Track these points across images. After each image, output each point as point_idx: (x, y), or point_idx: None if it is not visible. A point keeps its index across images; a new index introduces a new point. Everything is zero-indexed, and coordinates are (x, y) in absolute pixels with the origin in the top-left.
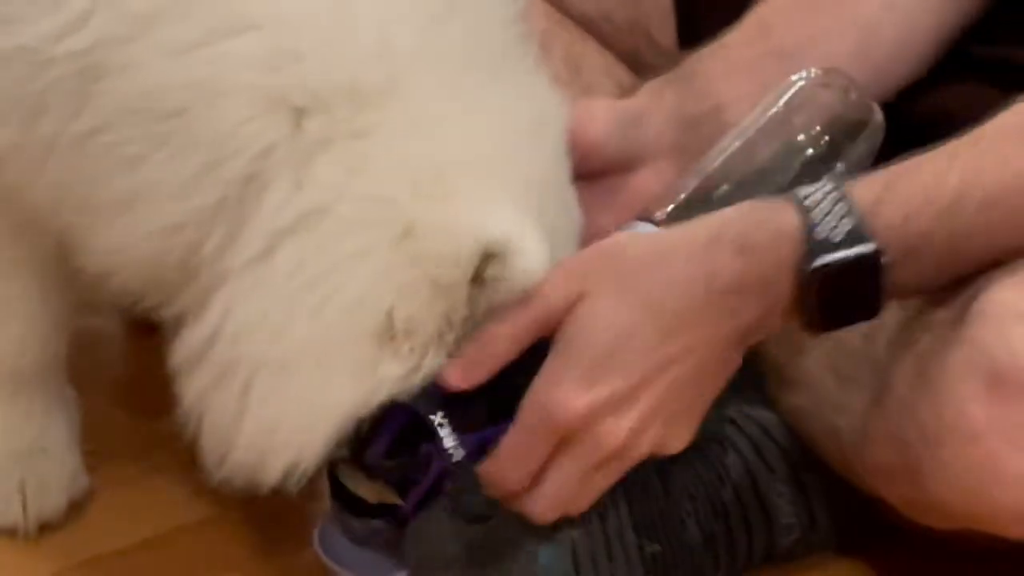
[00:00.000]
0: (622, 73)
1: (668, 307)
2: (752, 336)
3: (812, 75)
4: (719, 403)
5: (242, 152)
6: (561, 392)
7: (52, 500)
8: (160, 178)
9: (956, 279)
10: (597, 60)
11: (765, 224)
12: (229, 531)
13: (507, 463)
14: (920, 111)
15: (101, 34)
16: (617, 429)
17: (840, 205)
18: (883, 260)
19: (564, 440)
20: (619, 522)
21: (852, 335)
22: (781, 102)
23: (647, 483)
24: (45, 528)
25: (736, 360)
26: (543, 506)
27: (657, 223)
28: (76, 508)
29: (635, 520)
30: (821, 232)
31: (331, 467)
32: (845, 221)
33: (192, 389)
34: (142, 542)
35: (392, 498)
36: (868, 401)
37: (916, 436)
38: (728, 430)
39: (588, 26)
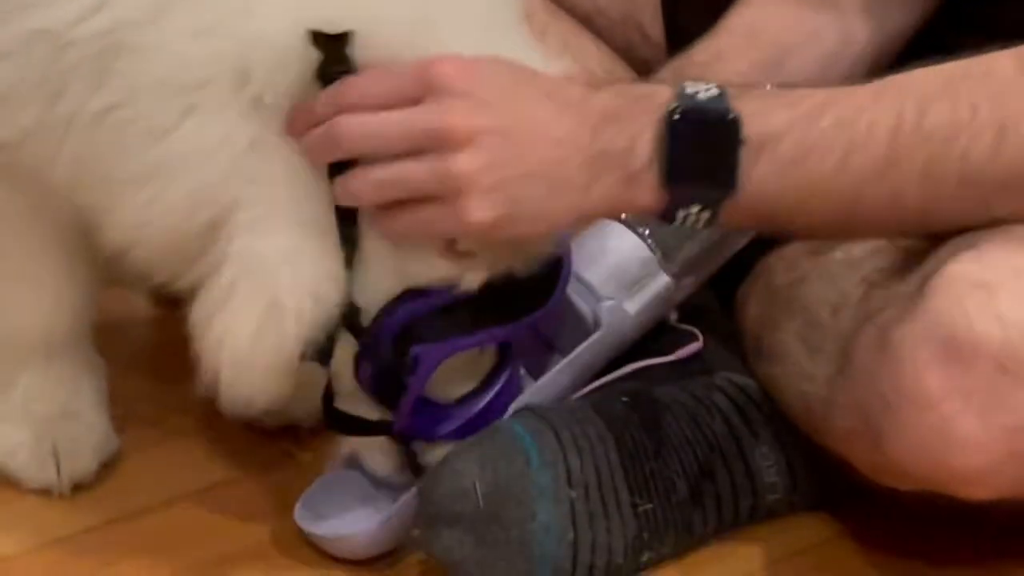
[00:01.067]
0: (617, 66)
1: (550, 95)
2: (605, 175)
3: None
4: (708, 370)
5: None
6: (447, 56)
7: (84, 461)
8: (188, 146)
9: (813, 219)
10: (592, 53)
11: (642, 87)
12: (250, 490)
13: (370, 78)
14: None
15: (119, 17)
16: (463, 115)
17: (711, 86)
18: (741, 133)
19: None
20: (613, 482)
21: (821, 311)
22: None
23: (639, 445)
24: (78, 487)
25: (584, 204)
26: (358, 129)
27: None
28: (106, 469)
29: (628, 480)
30: (689, 92)
31: (326, 393)
32: (713, 92)
33: (199, 313)
34: (168, 500)
35: (385, 415)
36: (834, 370)
37: (877, 402)
38: (715, 397)
39: (583, 20)
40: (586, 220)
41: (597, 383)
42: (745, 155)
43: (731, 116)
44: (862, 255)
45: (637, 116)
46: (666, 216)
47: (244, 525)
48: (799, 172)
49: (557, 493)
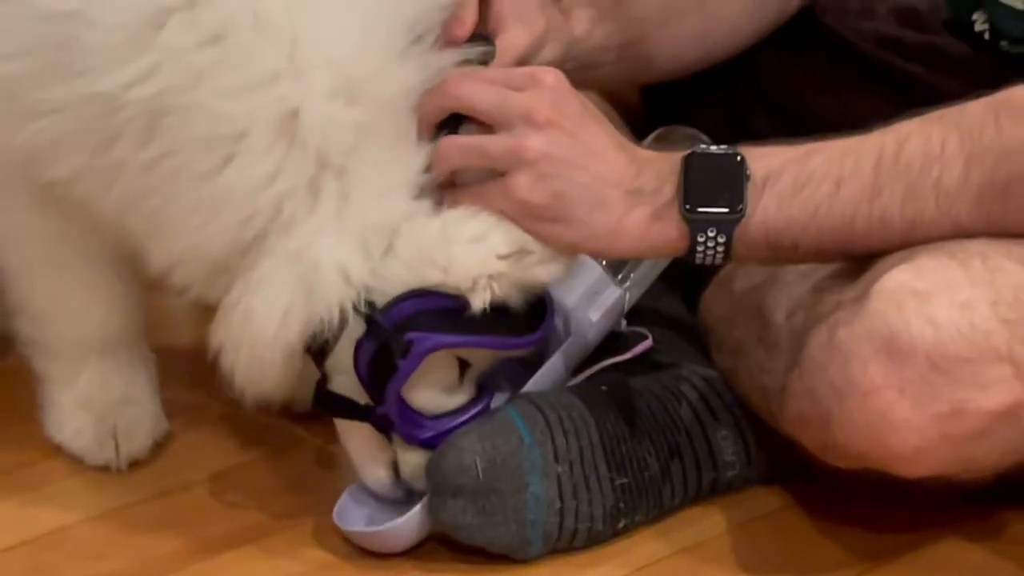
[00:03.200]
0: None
1: (612, 134)
2: (638, 208)
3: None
4: (677, 364)
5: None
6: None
7: (139, 441)
8: (229, 187)
9: (797, 245)
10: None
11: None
12: (283, 466)
13: (490, 70)
14: (834, 114)
15: (166, 83)
16: (550, 108)
17: (723, 147)
18: (747, 169)
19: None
20: (594, 459)
21: (776, 313)
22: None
23: (616, 428)
24: (133, 464)
25: (617, 228)
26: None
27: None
28: (158, 448)
29: (607, 458)
30: (704, 147)
31: (320, 379)
32: (724, 147)
33: (228, 303)
34: (213, 475)
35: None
36: (788, 363)
37: (826, 391)
38: (683, 386)
39: None
40: (617, 244)
41: (575, 380)
42: (751, 188)
43: (737, 156)
44: (812, 266)
45: (665, 165)
46: (689, 246)
47: (278, 497)
48: (798, 201)
49: (546, 468)
